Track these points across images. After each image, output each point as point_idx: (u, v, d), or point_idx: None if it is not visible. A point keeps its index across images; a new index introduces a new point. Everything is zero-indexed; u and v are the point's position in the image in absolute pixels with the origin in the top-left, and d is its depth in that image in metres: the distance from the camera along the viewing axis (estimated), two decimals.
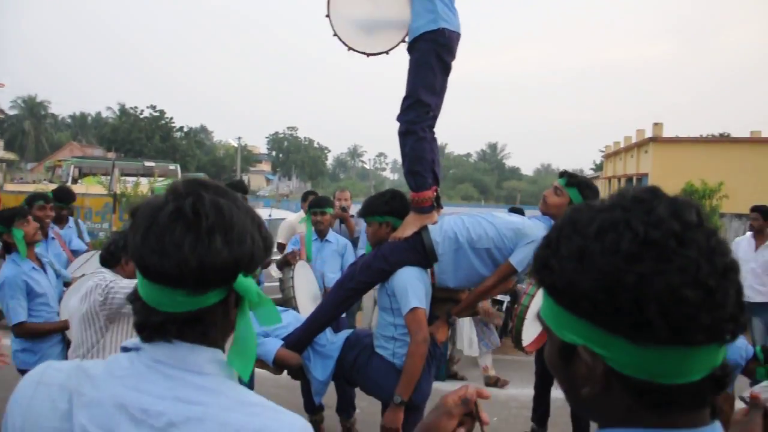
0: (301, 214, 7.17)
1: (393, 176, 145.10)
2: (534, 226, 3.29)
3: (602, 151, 48.77)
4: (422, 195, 3.34)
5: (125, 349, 1.14)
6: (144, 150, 60.35)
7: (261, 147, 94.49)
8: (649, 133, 32.32)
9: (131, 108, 66.79)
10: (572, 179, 3.53)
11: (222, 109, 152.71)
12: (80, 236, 6.78)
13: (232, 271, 1.09)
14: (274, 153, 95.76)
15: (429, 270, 3.33)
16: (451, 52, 3.39)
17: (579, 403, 0.89)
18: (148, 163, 43.95)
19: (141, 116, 66.04)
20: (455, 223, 3.30)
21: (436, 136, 3.46)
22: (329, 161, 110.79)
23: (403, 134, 3.40)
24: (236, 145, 63.99)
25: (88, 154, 55.21)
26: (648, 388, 0.79)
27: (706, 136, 39.06)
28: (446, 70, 3.41)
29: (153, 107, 66.91)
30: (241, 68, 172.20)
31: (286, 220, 7.27)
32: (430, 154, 3.39)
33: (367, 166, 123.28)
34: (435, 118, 3.42)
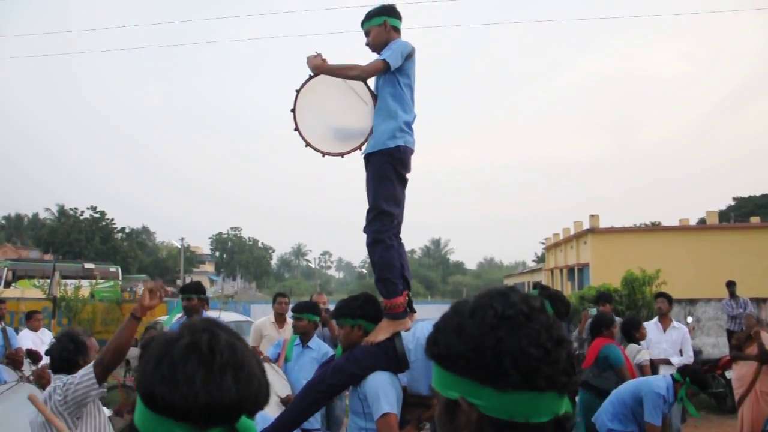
0: (271, 317, 7.14)
1: (339, 275, 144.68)
2: None
3: (543, 243, 49.99)
4: (394, 301, 3.41)
5: None
6: (83, 252, 58.85)
7: (204, 248, 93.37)
8: (586, 225, 33.42)
9: (71, 209, 65.56)
10: (544, 292, 3.70)
11: (164, 210, 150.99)
12: (5, 344, 6.59)
13: (238, 411, 1.10)
14: (217, 253, 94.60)
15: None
16: (405, 166, 3.56)
17: None
18: (88, 266, 42.75)
19: (81, 217, 64.79)
20: (428, 329, 3.35)
21: (402, 242, 3.59)
22: (274, 261, 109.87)
23: (371, 244, 3.50)
24: (179, 246, 63.02)
25: (23, 256, 53.40)
26: (509, 427, 1.03)
27: (639, 226, 40.68)
28: (403, 181, 3.57)
29: (93, 208, 65.93)
30: (183, 169, 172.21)
31: (256, 323, 7.27)
32: (399, 261, 3.50)
33: (312, 265, 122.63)
34: (399, 225, 3.55)
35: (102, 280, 31.86)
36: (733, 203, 59.60)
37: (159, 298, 3.23)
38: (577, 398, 5.33)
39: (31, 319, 8.93)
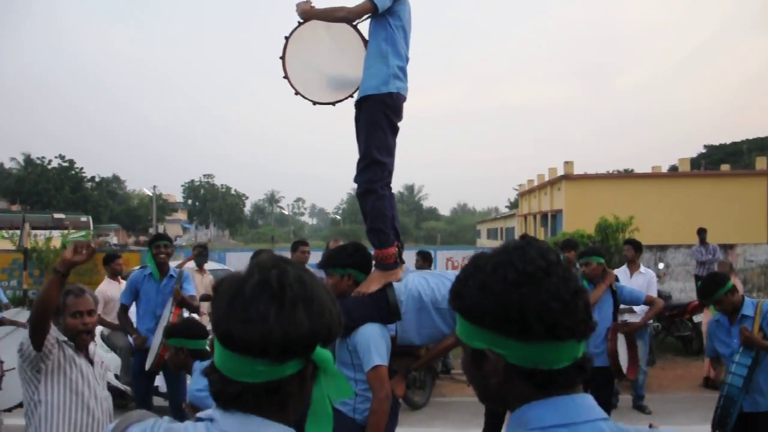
0: None
1: (312, 221, 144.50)
2: None
3: (516, 189, 50.35)
4: (386, 252, 3.39)
5: (199, 419, 1.17)
6: (53, 202, 57.95)
7: (177, 195, 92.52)
8: (560, 171, 33.68)
9: (38, 158, 64.13)
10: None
11: (135, 158, 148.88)
12: None
13: (312, 342, 1.14)
14: (190, 201, 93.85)
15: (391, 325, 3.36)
16: (398, 114, 3.50)
17: (489, 395, 1.22)
18: (58, 216, 42.17)
19: (49, 167, 63.49)
20: (420, 282, 3.35)
21: (393, 192, 3.55)
22: (247, 208, 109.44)
23: (362, 194, 3.47)
24: (151, 194, 62.25)
25: None
26: (534, 373, 1.12)
27: (613, 173, 41.11)
28: (395, 130, 3.51)
29: (61, 157, 64.61)
30: (155, 116, 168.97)
31: None
32: (390, 211, 3.47)
33: (286, 212, 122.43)
34: (390, 175, 3.51)
35: (73, 230, 31.48)
36: (704, 151, 60.40)
37: (84, 255, 3.13)
38: None
39: None
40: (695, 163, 42.92)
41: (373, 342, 3.19)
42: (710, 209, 27.24)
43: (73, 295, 3.36)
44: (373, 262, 3.47)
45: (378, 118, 3.41)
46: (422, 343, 3.41)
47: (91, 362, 3.37)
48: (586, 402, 1.14)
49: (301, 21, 3.60)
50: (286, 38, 3.63)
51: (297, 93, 3.65)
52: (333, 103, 3.72)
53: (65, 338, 3.27)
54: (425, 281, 3.36)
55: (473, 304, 1.15)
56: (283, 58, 3.62)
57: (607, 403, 5.43)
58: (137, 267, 6.66)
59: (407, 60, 3.56)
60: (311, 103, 3.69)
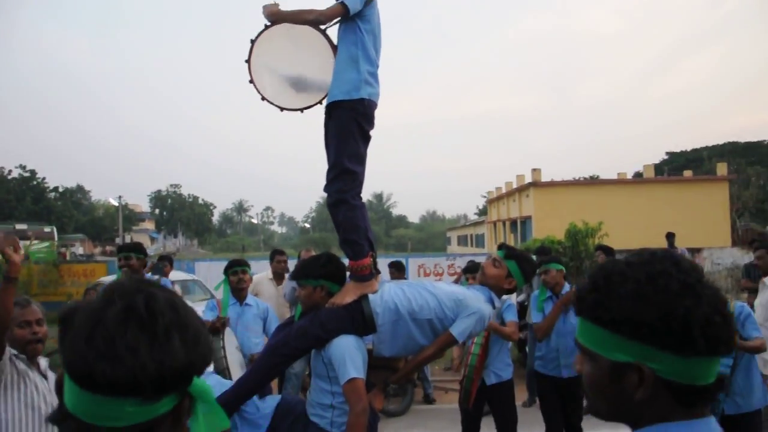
0: (268, 273, 7.15)
1: (281, 230, 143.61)
2: (475, 297, 3.31)
3: (485, 197, 50.69)
4: (360, 263, 3.30)
5: None
6: (14, 213, 56.61)
7: (143, 205, 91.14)
8: (528, 179, 33.98)
9: None
10: (510, 252, 3.59)
11: (100, 168, 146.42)
12: None
13: (190, 375, 1.01)
14: (157, 211, 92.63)
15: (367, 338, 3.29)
16: (370, 121, 3.40)
17: (622, 411, 1.16)
18: (20, 226, 41.19)
19: (9, 177, 62.05)
20: (395, 292, 3.27)
21: (363, 202, 3.47)
22: (215, 217, 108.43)
23: (333, 205, 3.37)
24: (117, 204, 61.23)
25: None
26: (686, 390, 1.09)
27: (580, 179, 41.60)
28: (366, 138, 3.42)
29: (23, 167, 63.19)
30: (119, 126, 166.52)
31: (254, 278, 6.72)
32: (363, 221, 3.38)
33: (255, 221, 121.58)
34: (361, 184, 3.43)
35: (36, 241, 30.76)
36: (666, 157, 61.46)
37: (14, 250, 2.96)
38: None
39: None
40: (658, 169, 43.66)
41: (348, 354, 3.11)
42: (675, 214, 27.73)
43: (19, 305, 3.20)
44: (348, 274, 3.40)
45: (349, 125, 3.32)
46: (396, 354, 3.34)
47: (45, 377, 3.24)
48: (717, 429, 1.13)
49: (268, 24, 3.47)
50: (252, 41, 3.49)
51: (264, 99, 3.52)
52: (301, 110, 3.60)
53: (15, 351, 3.12)
54: (401, 292, 3.29)
55: (625, 315, 1.10)
56: (248, 61, 3.48)
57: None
58: (105, 277, 6.48)
59: (378, 65, 3.49)
60: (278, 109, 3.58)
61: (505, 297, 5.34)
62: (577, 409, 5.34)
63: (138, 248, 5.75)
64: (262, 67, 3.52)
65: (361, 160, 3.39)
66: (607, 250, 8.27)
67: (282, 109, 3.58)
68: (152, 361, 0.94)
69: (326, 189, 3.39)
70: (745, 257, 16.50)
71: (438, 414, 7.74)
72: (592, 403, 1.22)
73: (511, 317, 5.36)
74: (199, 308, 7.39)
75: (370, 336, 3.28)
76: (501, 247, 3.69)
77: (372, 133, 3.47)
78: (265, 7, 3.38)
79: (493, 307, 3.42)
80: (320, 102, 3.56)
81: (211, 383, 3.25)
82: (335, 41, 3.52)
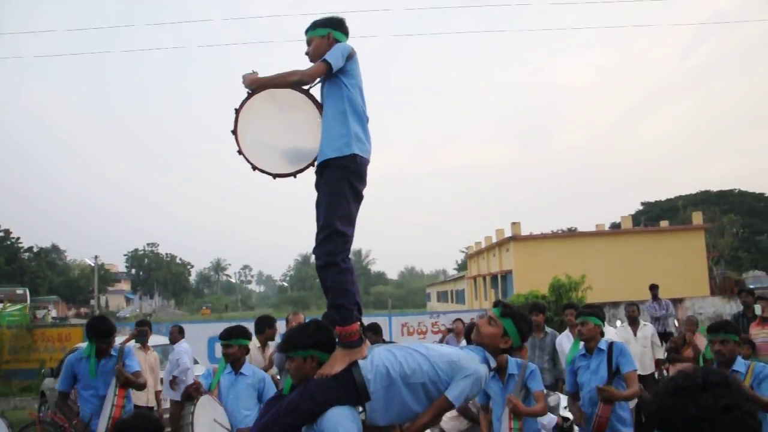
0: (256, 342, 6.93)
1: (259, 288, 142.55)
2: (470, 358, 3.19)
3: (464, 252, 50.80)
4: (349, 329, 3.16)
5: None
6: None
7: (119, 265, 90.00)
8: (508, 233, 34.12)
9: None
10: (507, 310, 3.47)
11: (75, 227, 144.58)
12: None
13: None
14: (133, 271, 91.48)
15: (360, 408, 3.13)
16: (362, 179, 3.33)
17: None
18: None
19: None
20: (386, 357, 3.14)
21: (352, 264, 3.36)
22: (192, 276, 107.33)
23: (322, 267, 3.25)
24: (92, 264, 60.26)
25: None
26: None
27: (558, 232, 41.91)
28: (358, 197, 3.34)
29: None
30: (94, 185, 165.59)
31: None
32: (352, 285, 3.27)
33: (233, 280, 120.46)
34: (350, 246, 3.33)
35: (8, 303, 30.07)
36: (641, 208, 62.41)
37: None
38: None
39: None
40: (635, 219, 44.19)
41: (341, 426, 2.95)
42: (654, 264, 27.91)
43: None
44: (336, 340, 3.26)
45: (340, 185, 3.24)
46: (390, 422, 3.18)
47: None
48: None
49: (251, 92, 3.39)
50: (237, 110, 3.40)
51: (255, 168, 3.41)
52: (294, 174, 3.51)
53: None
54: (392, 355, 3.15)
55: None
56: (235, 132, 3.39)
57: None
58: (80, 344, 6.22)
59: (367, 119, 3.44)
60: (271, 177, 3.48)
61: (527, 362, 5.13)
62: None
63: (110, 330, 5.56)
64: (250, 137, 3.43)
65: (351, 221, 3.30)
66: (577, 309, 8.04)
67: (275, 176, 3.48)
68: None
69: (315, 251, 3.28)
70: (726, 306, 16.58)
71: None
72: None
73: (537, 387, 4.92)
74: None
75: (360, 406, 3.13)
76: (497, 304, 3.58)
77: (365, 192, 3.39)
78: (244, 76, 3.31)
79: (489, 367, 3.30)
80: (312, 164, 3.47)
81: None
82: (320, 99, 3.48)
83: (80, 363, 5.48)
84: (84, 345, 5.99)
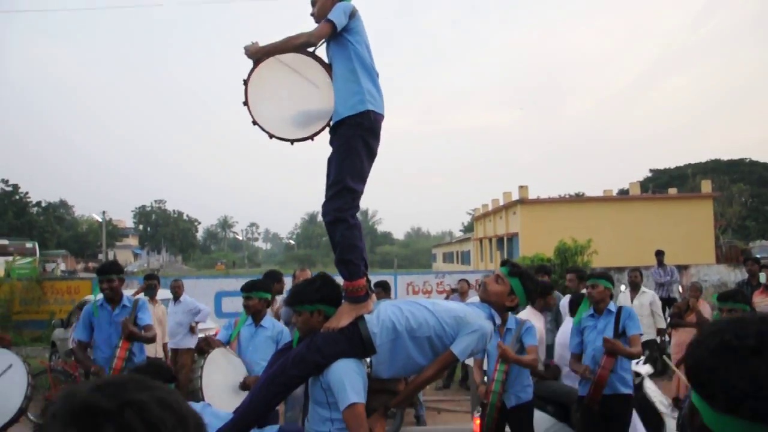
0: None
1: (266, 246, 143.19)
2: (476, 315, 3.22)
3: (470, 214, 50.82)
4: (356, 284, 3.20)
5: None
6: None
7: (127, 221, 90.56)
8: (515, 196, 34.08)
9: None
10: (515, 269, 3.50)
11: (84, 182, 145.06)
12: None
13: None
14: (141, 227, 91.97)
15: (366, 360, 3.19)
16: (376, 136, 3.33)
17: None
18: (1, 241, 40.61)
19: None
20: (393, 311, 3.18)
21: (359, 221, 3.38)
22: (199, 233, 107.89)
23: (331, 223, 3.27)
24: (100, 220, 60.62)
25: None
26: None
27: (565, 196, 41.84)
28: (371, 155, 3.34)
29: (5, 181, 62.58)
30: (104, 140, 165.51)
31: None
32: (360, 242, 3.29)
33: (240, 237, 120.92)
34: (359, 202, 3.35)
35: (18, 257, 30.39)
36: (650, 175, 62.04)
37: None
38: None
39: None
40: (643, 186, 44.01)
41: (347, 378, 3.00)
42: (660, 231, 27.89)
43: None
44: (342, 294, 3.30)
45: (354, 142, 3.24)
46: (394, 375, 3.24)
47: None
48: None
49: (256, 61, 3.35)
50: (245, 81, 3.37)
51: (272, 137, 3.41)
52: (312, 137, 3.50)
53: None
54: (398, 310, 3.20)
55: (726, 390, 1.03)
56: (246, 103, 3.36)
57: None
58: (89, 296, 6.34)
59: (377, 74, 3.42)
60: (289, 143, 3.48)
61: (524, 318, 5.26)
62: None
63: (118, 269, 5.73)
64: (263, 106, 3.41)
65: (363, 178, 3.29)
66: (580, 274, 7.98)
67: (293, 141, 3.48)
68: None
69: (325, 206, 3.29)
70: (731, 274, 16.59)
71: None
72: None
73: (531, 341, 5.16)
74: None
75: (366, 359, 3.18)
76: (505, 263, 3.60)
77: (378, 149, 3.38)
78: (246, 47, 3.29)
79: (494, 324, 3.34)
80: (328, 124, 3.46)
81: (207, 418, 3.13)
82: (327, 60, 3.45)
83: (96, 312, 5.60)
84: (92, 297, 6.08)
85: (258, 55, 3.32)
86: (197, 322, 9.05)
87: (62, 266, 48.24)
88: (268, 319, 5.37)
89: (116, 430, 0.83)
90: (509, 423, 5.14)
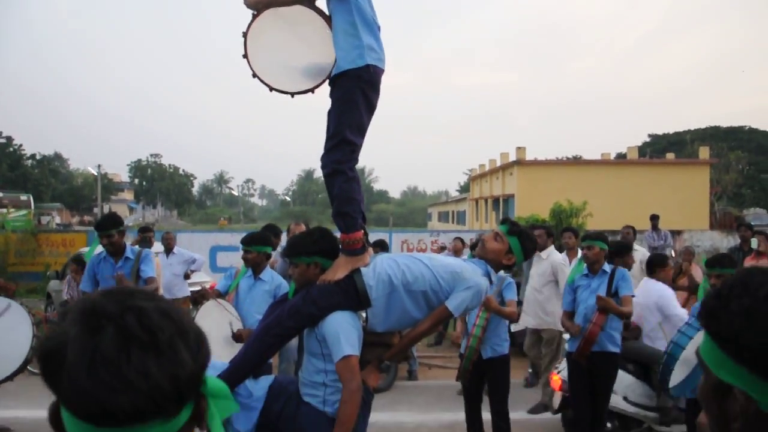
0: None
1: (262, 202, 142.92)
2: (472, 271, 3.23)
3: (467, 174, 50.79)
4: (353, 236, 3.19)
5: None
6: None
7: (122, 175, 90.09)
8: (513, 157, 34.02)
9: None
10: (514, 228, 3.50)
11: (79, 135, 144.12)
12: None
13: (200, 378, 0.96)
14: (136, 181, 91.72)
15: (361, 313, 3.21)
16: (375, 89, 3.28)
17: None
18: None
19: None
20: (389, 264, 3.19)
21: (358, 174, 3.36)
22: (195, 188, 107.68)
23: (329, 175, 3.25)
24: (95, 173, 60.38)
25: None
26: None
27: (563, 159, 41.76)
28: (371, 108, 3.30)
29: None
30: (99, 93, 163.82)
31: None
32: (358, 194, 3.28)
33: (235, 193, 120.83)
34: (358, 156, 3.32)
35: (12, 209, 30.32)
36: (648, 140, 61.88)
37: None
38: None
39: None
40: (641, 151, 43.93)
41: (342, 330, 3.03)
42: (656, 195, 27.96)
43: None
44: (339, 247, 3.30)
45: (353, 94, 3.20)
46: (389, 328, 3.26)
47: None
48: None
49: (255, 12, 3.32)
50: (244, 34, 3.33)
51: (272, 89, 3.39)
52: (312, 90, 3.47)
53: None
54: (395, 263, 3.20)
55: (732, 333, 0.96)
56: (246, 56, 3.33)
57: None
58: (84, 248, 6.33)
59: (379, 27, 3.36)
60: (290, 95, 3.45)
61: (504, 275, 5.33)
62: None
63: (115, 221, 5.69)
64: (263, 58, 3.37)
65: (362, 131, 3.26)
66: (576, 233, 8.07)
67: (293, 94, 3.45)
68: (166, 378, 0.88)
69: (323, 158, 3.27)
70: (724, 240, 16.72)
71: (422, 390, 7.75)
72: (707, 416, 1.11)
73: (511, 296, 5.32)
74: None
75: (362, 312, 3.20)
76: (504, 221, 3.60)
77: (378, 102, 3.35)
78: None
79: (490, 281, 3.36)
80: (329, 76, 3.42)
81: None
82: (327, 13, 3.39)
83: (100, 264, 5.61)
84: (86, 249, 6.09)
85: (259, 5, 3.27)
86: (193, 271, 9.16)
87: (57, 219, 48.15)
88: (268, 273, 5.40)
89: (116, 331, 0.88)
90: (485, 375, 5.29)
